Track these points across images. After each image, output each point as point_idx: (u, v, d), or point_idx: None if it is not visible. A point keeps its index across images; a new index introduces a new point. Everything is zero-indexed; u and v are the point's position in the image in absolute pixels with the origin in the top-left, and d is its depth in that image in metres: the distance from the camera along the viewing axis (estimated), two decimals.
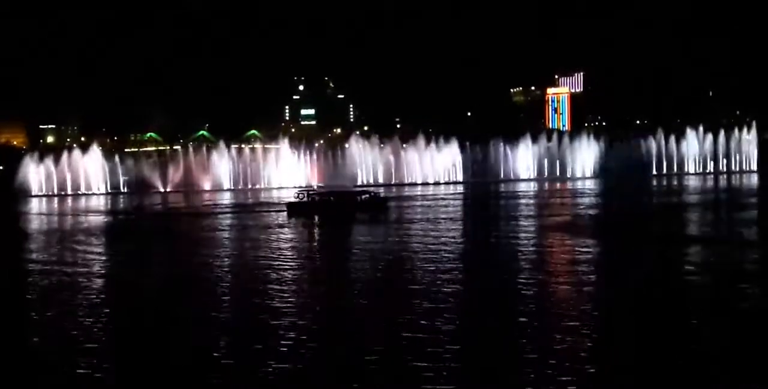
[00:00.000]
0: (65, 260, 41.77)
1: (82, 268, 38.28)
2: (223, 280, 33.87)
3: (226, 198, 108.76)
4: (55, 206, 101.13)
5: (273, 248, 44.63)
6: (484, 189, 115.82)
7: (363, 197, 75.41)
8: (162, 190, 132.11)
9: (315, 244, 50.44)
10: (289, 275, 34.17)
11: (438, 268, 34.41)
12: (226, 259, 40.89)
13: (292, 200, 76.71)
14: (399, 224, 58.19)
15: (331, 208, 70.56)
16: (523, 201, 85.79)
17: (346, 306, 27.40)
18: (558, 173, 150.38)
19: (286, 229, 56.95)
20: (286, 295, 29.04)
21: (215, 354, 20.78)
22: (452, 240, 46.53)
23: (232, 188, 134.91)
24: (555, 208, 74.48)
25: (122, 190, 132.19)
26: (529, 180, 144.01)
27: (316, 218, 66.48)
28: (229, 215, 75.42)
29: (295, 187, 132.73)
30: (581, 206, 74.56)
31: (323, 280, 33.78)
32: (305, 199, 73.54)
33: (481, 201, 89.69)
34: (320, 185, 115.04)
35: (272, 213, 73.48)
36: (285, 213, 70.46)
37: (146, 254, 44.93)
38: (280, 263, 37.82)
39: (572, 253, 39.32)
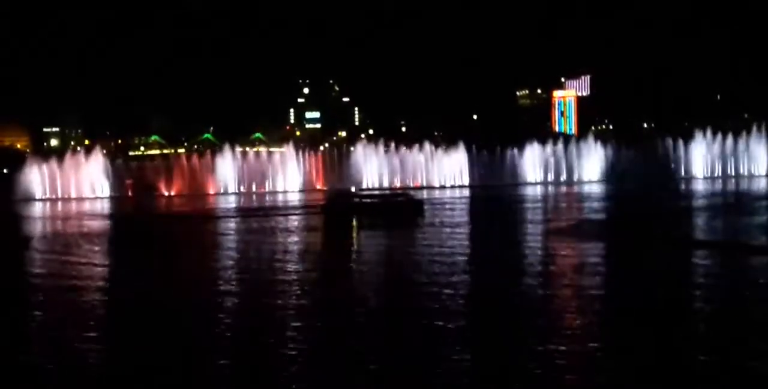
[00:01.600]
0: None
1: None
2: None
3: (241, 202, 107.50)
4: (60, 209, 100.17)
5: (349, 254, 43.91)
6: (497, 193, 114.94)
7: (399, 199, 75.41)
8: (166, 193, 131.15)
9: (391, 251, 46.26)
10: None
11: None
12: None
13: (331, 203, 76.39)
14: (450, 228, 57.00)
15: (367, 211, 69.97)
16: (539, 205, 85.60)
17: None
18: (565, 177, 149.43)
19: (335, 233, 56.75)
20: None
21: None
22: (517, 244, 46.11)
23: (237, 191, 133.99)
24: (569, 212, 73.45)
25: (127, 193, 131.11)
26: (536, 184, 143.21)
27: (354, 221, 65.26)
28: (261, 218, 73.51)
29: (301, 191, 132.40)
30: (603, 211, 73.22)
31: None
32: (342, 201, 73.22)
33: (504, 204, 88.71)
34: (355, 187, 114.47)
35: (305, 216, 73.25)
36: (321, 216, 70.06)
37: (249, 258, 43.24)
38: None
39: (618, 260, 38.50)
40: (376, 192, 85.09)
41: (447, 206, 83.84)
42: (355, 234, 57.44)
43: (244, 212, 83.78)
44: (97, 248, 50.14)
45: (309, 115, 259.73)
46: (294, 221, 67.60)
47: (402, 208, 71.18)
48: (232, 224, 67.33)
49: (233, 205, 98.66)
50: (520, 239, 49.65)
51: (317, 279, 34.93)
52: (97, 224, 72.41)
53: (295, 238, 53.22)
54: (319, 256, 43.30)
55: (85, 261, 42.41)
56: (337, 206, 72.32)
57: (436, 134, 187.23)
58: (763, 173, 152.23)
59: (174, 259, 43.93)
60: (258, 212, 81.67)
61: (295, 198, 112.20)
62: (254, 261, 42.10)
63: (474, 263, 38.39)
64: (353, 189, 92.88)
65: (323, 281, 34.25)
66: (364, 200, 73.91)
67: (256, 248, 47.94)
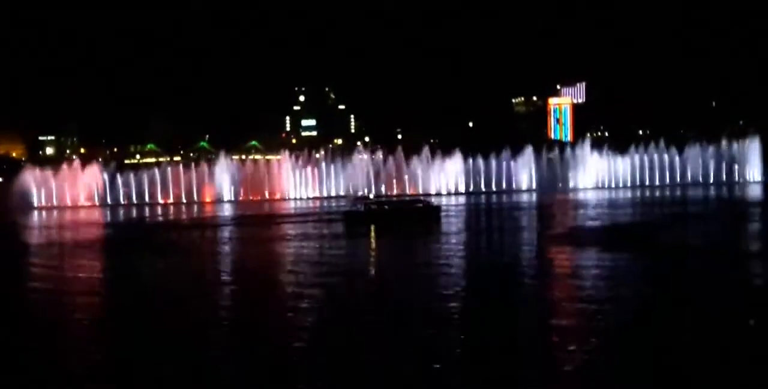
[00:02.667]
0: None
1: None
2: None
3: (243, 210, 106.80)
4: (56, 218, 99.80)
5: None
6: (500, 200, 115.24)
7: (418, 205, 75.98)
8: (161, 202, 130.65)
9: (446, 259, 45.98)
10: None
11: None
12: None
13: (350, 209, 77.05)
14: (475, 234, 58.41)
15: (387, 217, 70.39)
16: (536, 212, 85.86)
17: None
18: (558, 185, 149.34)
19: (363, 239, 57.13)
20: None
21: None
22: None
23: (233, 199, 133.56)
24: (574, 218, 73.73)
25: (121, 202, 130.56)
26: (531, 191, 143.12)
27: (373, 227, 65.46)
28: (281, 225, 73.51)
29: (298, 199, 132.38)
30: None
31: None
32: (362, 208, 73.77)
33: (519, 211, 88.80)
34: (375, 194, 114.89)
35: (326, 223, 73.64)
36: (342, 223, 70.44)
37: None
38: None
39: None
40: (394, 199, 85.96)
41: (455, 213, 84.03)
42: (389, 243, 57.26)
43: (258, 220, 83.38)
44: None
45: (305, 122, 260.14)
46: (321, 229, 67.81)
47: (421, 214, 71.91)
48: (249, 232, 66.79)
49: (245, 212, 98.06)
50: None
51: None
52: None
53: (333, 245, 53.54)
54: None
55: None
56: (357, 213, 72.87)
57: (432, 141, 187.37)
58: (759, 179, 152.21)
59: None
60: (277, 220, 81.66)
61: (298, 206, 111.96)
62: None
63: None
64: (371, 196, 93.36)
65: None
66: (383, 207, 74.20)
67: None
